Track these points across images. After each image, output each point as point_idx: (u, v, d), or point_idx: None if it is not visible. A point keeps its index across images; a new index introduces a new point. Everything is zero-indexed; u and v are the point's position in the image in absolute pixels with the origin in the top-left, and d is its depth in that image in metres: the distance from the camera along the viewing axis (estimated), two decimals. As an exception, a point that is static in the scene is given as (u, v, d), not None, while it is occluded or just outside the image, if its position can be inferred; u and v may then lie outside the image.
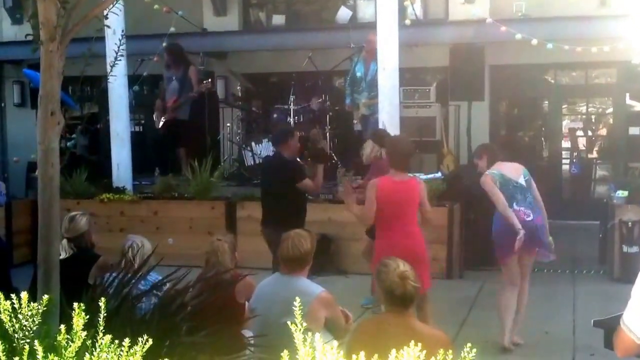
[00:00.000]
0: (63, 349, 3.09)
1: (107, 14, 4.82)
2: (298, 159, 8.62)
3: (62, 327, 3.18)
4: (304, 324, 2.82)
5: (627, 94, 14.12)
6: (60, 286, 4.26)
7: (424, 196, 7.04)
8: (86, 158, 13.87)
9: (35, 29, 4.27)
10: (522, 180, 7.44)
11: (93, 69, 5.04)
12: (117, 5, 4.76)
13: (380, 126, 10.48)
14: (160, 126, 13.31)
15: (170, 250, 8.97)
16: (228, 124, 13.96)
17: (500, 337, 7.31)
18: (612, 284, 9.72)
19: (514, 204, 7.32)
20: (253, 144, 12.68)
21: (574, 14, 12.43)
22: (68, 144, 13.67)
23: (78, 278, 5.84)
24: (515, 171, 7.48)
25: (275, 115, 12.98)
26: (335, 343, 2.82)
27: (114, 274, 5.34)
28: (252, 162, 12.58)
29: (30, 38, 4.45)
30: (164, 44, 12.91)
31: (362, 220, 7.17)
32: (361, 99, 12.21)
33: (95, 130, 14.59)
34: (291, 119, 12.49)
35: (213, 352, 4.42)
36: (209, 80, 13.57)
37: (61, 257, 5.74)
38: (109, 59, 5.97)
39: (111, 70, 5.90)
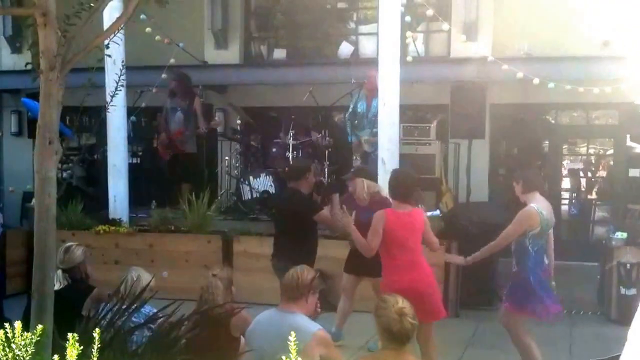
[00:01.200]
0: None
1: (108, 44, 4.85)
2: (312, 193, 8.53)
3: (56, 357, 3.20)
4: None
5: (628, 136, 14.14)
6: (54, 316, 4.30)
7: (428, 226, 7.14)
8: (82, 189, 13.82)
9: (35, 58, 4.36)
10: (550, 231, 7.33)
11: (92, 99, 5.03)
12: (118, 35, 4.78)
13: (380, 163, 10.47)
14: (167, 158, 13.26)
15: (165, 284, 8.88)
16: (226, 157, 13.94)
17: None
18: (609, 325, 9.69)
19: (545, 258, 7.24)
20: (251, 177, 12.63)
21: (576, 54, 12.45)
22: (64, 174, 13.65)
23: (72, 309, 5.87)
24: (550, 214, 7.27)
25: (274, 150, 12.95)
26: None
27: (107, 306, 5.33)
28: (250, 196, 12.52)
29: (30, 67, 4.44)
30: (170, 73, 12.94)
31: (365, 251, 7.09)
32: (363, 136, 12.22)
33: (92, 162, 14.56)
34: (290, 154, 12.45)
35: None
36: (218, 119, 13.58)
37: (55, 287, 5.71)
38: (109, 89, 5.98)
39: (111, 100, 5.93)
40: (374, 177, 9.00)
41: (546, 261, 7.26)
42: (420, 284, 6.80)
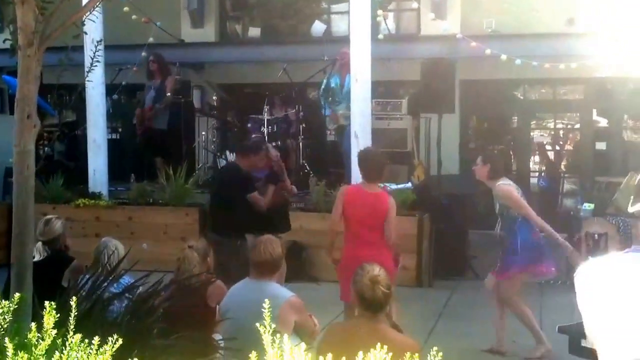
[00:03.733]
0: (33, 347, 3.11)
1: (84, 21, 4.87)
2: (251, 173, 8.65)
3: (33, 324, 3.20)
4: (273, 327, 2.87)
5: (594, 110, 14.40)
6: (34, 288, 4.29)
7: (392, 212, 7.10)
8: (63, 164, 13.90)
9: (13, 35, 4.34)
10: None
11: (72, 77, 5.15)
12: (95, 12, 4.81)
13: (353, 137, 10.69)
14: (139, 134, 13.46)
15: (144, 256, 9.02)
16: (203, 133, 14.09)
17: (542, 345, 7.50)
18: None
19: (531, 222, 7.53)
20: (227, 152, 12.80)
21: (542, 31, 12.69)
22: (46, 149, 13.72)
23: (52, 280, 5.95)
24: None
25: (249, 125, 13.10)
26: (303, 345, 2.89)
27: (87, 277, 5.44)
28: (226, 170, 12.68)
29: (8, 43, 4.52)
30: (147, 54, 13.08)
31: (330, 226, 7.29)
32: (339, 110, 12.39)
33: (73, 137, 14.64)
34: (265, 129, 12.61)
35: (184, 355, 4.45)
36: (176, 69, 13.75)
37: (35, 259, 5.85)
38: (88, 68, 6.06)
39: (87, 75, 5.99)
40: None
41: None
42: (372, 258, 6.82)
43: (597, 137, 14.20)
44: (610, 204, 10.36)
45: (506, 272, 7.61)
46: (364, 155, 7.42)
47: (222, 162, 12.81)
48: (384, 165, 7.39)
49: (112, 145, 13.05)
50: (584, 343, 4.61)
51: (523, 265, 7.54)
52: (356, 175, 10.45)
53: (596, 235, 10.06)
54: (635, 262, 2.79)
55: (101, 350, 3.05)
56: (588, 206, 10.40)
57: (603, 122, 14.64)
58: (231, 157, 12.66)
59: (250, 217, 8.18)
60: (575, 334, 4.75)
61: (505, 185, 7.49)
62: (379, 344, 2.83)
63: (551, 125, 15.57)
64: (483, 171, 7.58)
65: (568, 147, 15.45)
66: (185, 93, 13.91)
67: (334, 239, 7.31)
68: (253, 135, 12.00)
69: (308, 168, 12.57)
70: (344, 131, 12.23)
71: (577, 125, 15.32)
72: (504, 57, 11.20)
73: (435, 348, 2.83)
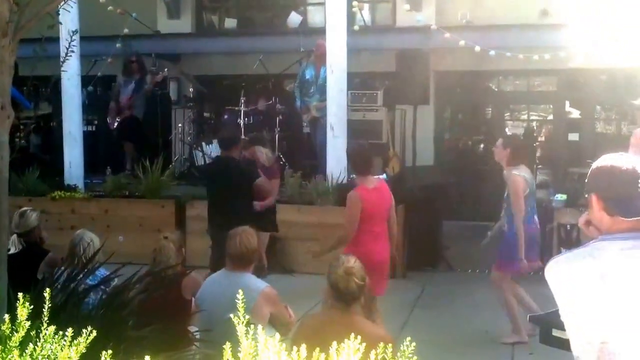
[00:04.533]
0: (7, 339, 3.13)
1: (59, 10, 4.89)
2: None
3: (7, 316, 3.22)
4: (248, 318, 2.90)
5: (567, 102, 14.52)
6: (9, 281, 4.29)
7: (392, 200, 7.28)
8: (39, 156, 13.88)
9: None
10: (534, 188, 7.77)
11: (48, 69, 5.14)
12: (70, 2, 4.81)
13: (328, 128, 10.75)
14: (114, 126, 13.44)
15: (120, 248, 9.02)
16: (180, 125, 14.08)
17: (517, 336, 7.67)
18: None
19: (535, 216, 7.71)
20: (203, 144, 12.82)
21: (516, 22, 12.75)
22: (21, 142, 13.68)
23: (27, 273, 5.93)
24: (532, 179, 7.78)
25: (225, 117, 13.14)
26: (278, 336, 2.88)
27: (62, 269, 5.45)
28: (203, 162, 12.70)
29: None
30: (122, 45, 13.08)
31: (349, 232, 7.02)
32: (312, 102, 12.43)
33: (48, 130, 14.60)
34: (241, 121, 12.64)
35: (159, 347, 4.42)
36: (165, 70, 13.71)
37: (10, 252, 5.87)
38: (63, 58, 6.03)
39: (62, 65, 5.95)
40: (266, 143, 9.70)
41: (536, 219, 7.73)
42: (379, 256, 6.88)
43: (569, 129, 14.32)
44: (582, 195, 10.45)
45: (502, 264, 7.81)
46: (356, 150, 7.47)
47: (198, 155, 12.81)
48: (372, 158, 7.58)
49: (88, 138, 13.03)
50: (554, 332, 4.69)
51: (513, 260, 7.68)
52: (332, 166, 10.55)
53: (568, 226, 10.09)
54: (593, 256, 2.89)
55: (75, 342, 3.06)
56: (560, 197, 10.43)
57: (576, 114, 14.77)
58: (208, 149, 12.69)
59: (250, 210, 8.37)
60: (545, 323, 4.82)
61: (516, 176, 7.56)
62: (352, 335, 2.88)
63: (525, 116, 15.67)
64: (503, 155, 7.72)
65: (541, 138, 15.55)
66: (161, 85, 13.88)
67: (347, 243, 7.03)
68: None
69: (284, 160, 12.60)
70: (317, 123, 12.30)
71: (550, 117, 15.42)
72: (477, 48, 11.29)
73: (408, 338, 2.88)
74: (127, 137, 13.43)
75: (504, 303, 7.85)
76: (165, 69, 13.65)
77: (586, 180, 2.96)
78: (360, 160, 7.26)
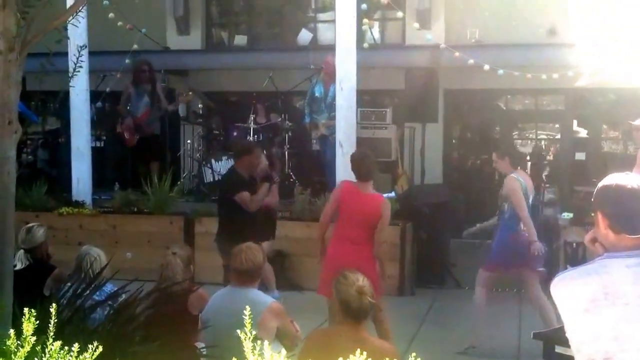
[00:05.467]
0: (13, 354, 3.13)
1: (67, 25, 4.92)
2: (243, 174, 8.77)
3: (12, 331, 3.21)
4: (255, 333, 2.91)
5: (575, 121, 14.53)
6: (15, 296, 4.29)
7: (385, 218, 7.32)
8: (46, 172, 13.89)
9: None
10: (530, 200, 7.89)
11: (56, 84, 5.13)
12: (78, 17, 4.82)
13: (337, 146, 10.76)
14: (133, 144, 13.32)
15: (128, 264, 9.09)
16: (188, 141, 14.08)
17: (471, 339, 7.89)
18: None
19: (521, 225, 7.80)
20: (213, 160, 12.83)
21: (525, 41, 12.83)
22: (29, 157, 13.71)
23: (33, 289, 5.96)
24: (530, 187, 7.94)
25: (235, 133, 13.15)
26: (284, 352, 2.91)
27: (69, 285, 5.42)
28: (212, 179, 12.70)
29: None
30: (131, 60, 13.07)
31: (322, 218, 7.48)
32: (321, 120, 12.46)
33: (56, 145, 14.60)
34: (250, 137, 12.66)
35: None
36: (190, 93, 13.69)
37: (17, 267, 5.87)
38: (71, 73, 6.05)
39: (71, 79, 5.95)
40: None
41: (522, 227, 7.79)
42: (356, 258, 6.94)
43: (576, 148, 14.31)
44: (588, 213, 10.47)
45: (488, 264, 8.00)
46: (358, 156, 7.64)
47: (207, 171, 12.83)
48: (375, 165, 7.69)
49: (96, 153, 13.02)
50: (557, 349, 4.69)
51: (494, 265, 7.93)
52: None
53: (574, 244, 10.12)
54: (599, 273, 2.91)
55: (81, 357, 3.06)
56: (567, 215, 10.54)
57: (583, 133, 14.78)
58: (217, 165, 12.71)
59: (250, 222, 8.37)
60: (549, 339, 4.83)
61: (510, 177, 7.81)
62: (358, 349, 2.90)
63: (533, 135, 15.67)
64: (505, 165, 7.96)
65: (549, 157, 15.54)
66: (170, 101, 13.91)
67: (324, 230, 7.49)
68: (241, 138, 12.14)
69: (294, 177, 12.61)
70: (326, 140, 12.32)
71: (558, 136, 15.42)
72: (486, 67, 11.29)
73: (413, 354, 2.90)
74: (151, 157, 13.34)
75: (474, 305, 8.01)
76: (190, 92, 13.62)
77: (593, 198, 2.99)
78: (361, 166, 7.40)
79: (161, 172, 11.80)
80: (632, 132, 8.98)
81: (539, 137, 15.58)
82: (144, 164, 13.22)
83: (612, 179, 2.98)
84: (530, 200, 7.90)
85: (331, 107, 11.75)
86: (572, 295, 2.92)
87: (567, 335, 2.96)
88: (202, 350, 5.47)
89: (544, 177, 14.86)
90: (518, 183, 7.74)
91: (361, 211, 7.28)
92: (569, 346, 2.96)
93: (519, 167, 8.03)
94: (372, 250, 7.29)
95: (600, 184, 3.01)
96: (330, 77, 11.70)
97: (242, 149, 8.93)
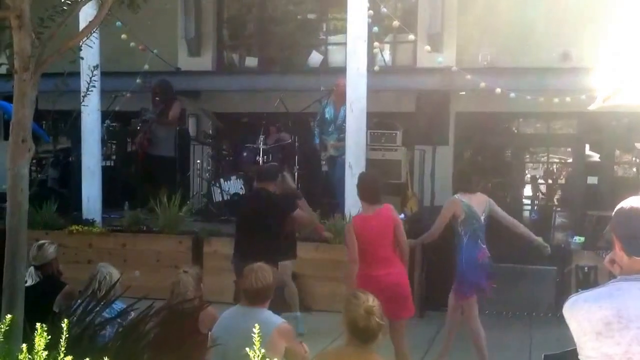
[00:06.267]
0: None
1: (81, 46, 4.96)
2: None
3: (24, 346, 3.23)
4: (263, 352, 2.92)
5: (587, 145, 14.50)
6: (26, 312, 4.31)
7: (398, 227, 7.39)
8: (57, 190, 13.89)
9: (10, 59, 4.40)
10: (482, 219, 7.94)
11: (68, 104, 5.17)
12: (91, 38, 4.87)
13: (347, 167, 10.75)
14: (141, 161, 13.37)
15: (136, 283, 9.04)
16: (198, 161, 14.10)
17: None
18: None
19: (479, 241, 7.92)
20: (222, 180, 12.82)
21: (537, 65, 12.82)
22: (39, 176, 13.70)
23: (44, 305, 5.97)
24: (479, 206, 8.00)
25: (245, 154, 13.14)
26: None
27: (79, 302, 5.47)
28: (221, 199, 12.69)
29: (5, 68, 4.52)
30: (142, 81, 13.11)
31: (350, 263, 7.32)
32: (330, 141, 12.47)
33: (67, 164, 14.62)
34: (260, 158, 12.66)
35: None
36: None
37: (28, 283, 5.86)
38: (84, 93, 6.09)
39: (83, 100, 6.00)
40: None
41: (482, 245, 7.93)
42: (393, 279, 7.11)
43: (588, 172, 14.28)
44: (600, 237, 10.42)
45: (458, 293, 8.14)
46: (365, 179, 7.75)
47: (216, 191, 12.81)
48: (379, 188, 7.68)
49: (106, 172, 13.04)
50: (568, 371, 4.65)
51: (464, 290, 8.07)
52: (350, 205, 10.52)
53: (586, 268, 10.12)
54: (612, 295, 2.90)
55: (91, 373, 3.05)
56: (578, 239, 10.50)
57: (595, 157, 14.75)
58: (225, 185, 12.68)
59: (277, 243, 8.36)
60: (561, 361, 4.80)
61: (450, 201, 8.09)
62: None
63: (544, 159, 15.65)
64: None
65: (561, 180, 15.52)
66: (180, 121, 13.93)
67: (355, 272, 7.30)
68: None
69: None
70: (335, 161, 12.31)
71: (570, 160, 15.40)
72: (498, 90, 11.29)
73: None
74: (163, 176, 13.26)
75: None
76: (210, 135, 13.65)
77: (610, 222, 3.01)
78: (366, 188, 7.49)
79: (170, 191, 11.76)
80: None
81: (550, 161, 15.56)
82: (153, 183, 13.16)
83: (627, 202, 3.00)
84: (481, 219, 7.98)
85: (341, 129, 11.77)
86: (585, 317, 2.91)
87: (580, 358, 2.94)
88: (210, 368, 5.44)
89: (555, 200, 14.84)
90: (456, 203, 7.93)
91: (383, 229, 7.31)
92: None
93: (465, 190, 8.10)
94: (404, 269, 7.39)
95: (617, 207, 3.02)
96: (341, 98, 11.70)
97: (276, 170, 8.95)
